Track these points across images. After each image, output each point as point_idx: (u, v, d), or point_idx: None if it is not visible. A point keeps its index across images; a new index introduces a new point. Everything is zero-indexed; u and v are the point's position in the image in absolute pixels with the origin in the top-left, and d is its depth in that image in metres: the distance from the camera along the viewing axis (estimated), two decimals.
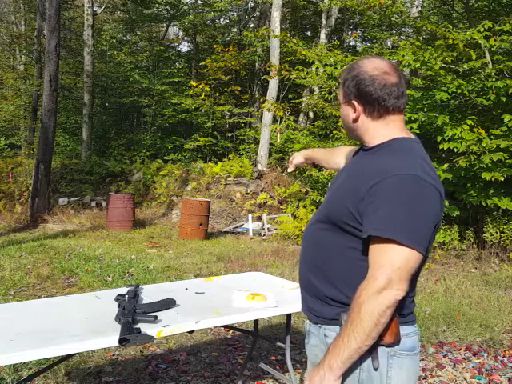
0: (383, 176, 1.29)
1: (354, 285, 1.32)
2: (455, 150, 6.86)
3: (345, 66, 7.87)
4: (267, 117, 13.24)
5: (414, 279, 1.37)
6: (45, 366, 2.84)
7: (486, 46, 7.06)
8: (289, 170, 2.34)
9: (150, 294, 2.44)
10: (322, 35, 15.72)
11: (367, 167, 1.38)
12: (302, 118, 16.28)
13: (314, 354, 1.50)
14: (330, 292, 1.42)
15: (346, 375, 1.34)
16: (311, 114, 15.93)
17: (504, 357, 3.80)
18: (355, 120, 1.44)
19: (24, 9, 21.10)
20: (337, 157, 1.94)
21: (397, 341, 1.34)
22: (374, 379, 1.35)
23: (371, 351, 1.32)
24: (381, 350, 1.34)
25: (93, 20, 16.69)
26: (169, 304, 2.23)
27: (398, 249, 1.25)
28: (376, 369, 1.34)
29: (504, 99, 6.85)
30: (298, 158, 2.22)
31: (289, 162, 2.27)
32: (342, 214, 1.37)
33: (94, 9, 17.69)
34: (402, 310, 1.36)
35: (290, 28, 19.19)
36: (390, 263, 1.26)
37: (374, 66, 1.40)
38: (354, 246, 1.37)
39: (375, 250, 1.29)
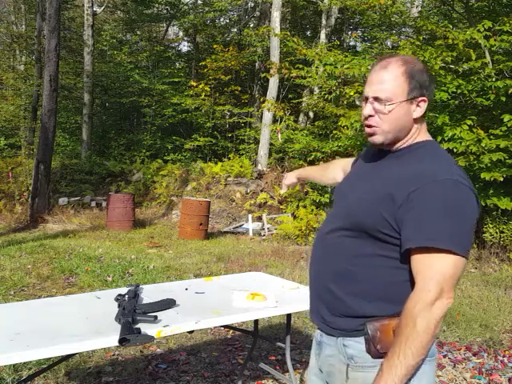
0: (421, 182, 1.25)
1: (383, 294, 1.29)
2: (455, 150, 6.86)
3: (345, 66, 7.86)
4: (267, 117, 13.24)
5: None
6: (45, 366, 2.84)
7: (485, 46, 7.06)
8: (281, 192, 2.30)
9: (150, 294, 2.44)
10: (322, 35, 15.72)
11: (401, 172, 1.32)
12: (302, 117, 16.28)
13: (330, 364, 1.44)
14: (354, 303, 1.36)
15: None
16: (311, 114, 15.93)
17: (504, 357, 3.80)
18: (418, 119, 1.37)
19: (24, 9, 21.10)
20: (332, 171, 1.90)
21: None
22: None
23: None
24: None
25: (93, 20, 16.69)
26: (169, 304, 2.23)
27: (447, 258, 1.23)
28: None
29: (504, 99, 6.85)
30: (290, 179, 2.18)
31: (282, 183, 2.23)
32: (375, 222, 1.31)
33: (94, 9, 17.69)
34: None
35: (290, 28, 19.17)
36: (442, 273, 1.23)
37: (418, 61, 1.38)
38: (384, 253, 1.32)
39: (422, 260, 1.25)
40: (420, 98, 1.35)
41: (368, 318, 1.33)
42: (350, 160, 1.74)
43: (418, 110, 1.36)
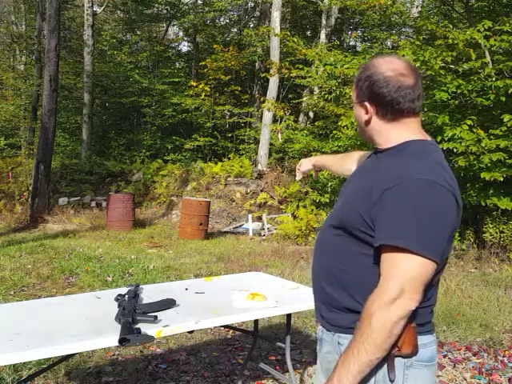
0: (396, 181, 1.24)
1: (368, 293, 1.28)
2: (455, 150, 6.86)
3: (345, 66, 7.87)
4: (267, 117, 13.24)
5: (431, 288, 1.33)
6: (45, 366, 2.84)
7: (485, 46, 7.06)
8: (297, 178, 2.23)
9: (150, 294, 2.44)
10: (322, 35, 15.72)
11: (380, 171, 1.33)
12: (302, 117, 16.28)
13: (328, 361, 1.45)
14: (345, 301, 1.38)
15: None
16: (311, 114, 15.94)
17: (504, 357, 3.80)
18: (367, 122, 1.39)
19: (24, 9, 21.10)
20: (349, 163, 1.86)
21: (415, 352, 1.29)
22: None
23: (387, 361, 1.27)
24: (397, 361, 1.29)
25: (93, 20, 16.69)
26: (169, 304, 2.23)
27: (412, 258, 1.20)
28: (392, 381, 1.28)
29: (504, 99, 6.85)
30: (305, 165, 2.13)
31: (296, 170, 2.17)
32: (354, 220, 1.32)
33: (94, 9, 17.69)
34: (421, 319, 1.32)
35: (289, 28, 19.16)
36: (403, 273, 1.21)
37: (390, 67, 1.33)
38: (367, 252, 1.32)
39: (387, 258, 1.24)
40: (366, 103, 1.37)
41: (359, 316, 1.32)
42: (366, 154, 1.71)
43: (366, 115, 1.38)
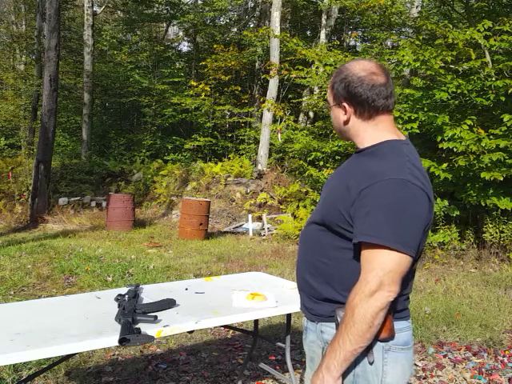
0: (372, 180, 1.31)
1: (351, 285, 1.34)
2: (455, 149, 6.86)
3: None
4: (267, 117, 13.24)
5: (407, 279, 1.39)
6: (45, 366, 2.84)
7: (485, 46, 7.06)
8: None
9: (150, 294, 2.44)
10: (322, 35, 15.72)
11: (358, 170, 1.39)
12: (302, 117, 16.28)
13: (312, 350, 1.53)
14: (327, 293, 1.45)
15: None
16: (311, 114, 15.94)
17: (504, 357, 3.80)
18: (346, 122, 1.46)
19: (24, 9, 21.11)
20: None
21: (391, 336, 1.37)
22: (369, 373, 1.38)
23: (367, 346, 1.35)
24: (376, 345, 1.37)
25: (93, 20, 16.69)
26: (169, 304, 2.23)
27: (389, 253, 1.28)
28: (371, 363, 1.37)
29: (503, 99, 6.84)
30: None
31: None
32: (334, 217, 1.39)
33: (94, 9, 17.70)
34: (397, 307, 1.40)
35: (289, 28, 19.18)
36: (381, 267, 1.28)
37: (362, 68, 1.41)
38: (347, 246, 1.39)
39: (367, 254, 1.32)
40: (344, 104, 1.44)
41: (339, 305, 1.40)
42: None
43: (344, 116, 1.46)
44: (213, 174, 12.99)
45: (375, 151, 1.41)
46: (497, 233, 7.32)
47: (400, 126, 7.15)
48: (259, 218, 10.59)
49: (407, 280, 1.40)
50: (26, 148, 17.10)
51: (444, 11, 11.92)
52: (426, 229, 1.36)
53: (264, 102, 12.44)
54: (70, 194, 12.76)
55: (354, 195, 1.33)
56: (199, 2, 20.60)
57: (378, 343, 1.37)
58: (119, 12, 22.15)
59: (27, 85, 18.84)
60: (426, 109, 7.46)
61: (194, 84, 15.73)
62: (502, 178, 6.59)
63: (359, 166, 1.42)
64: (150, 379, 3.18)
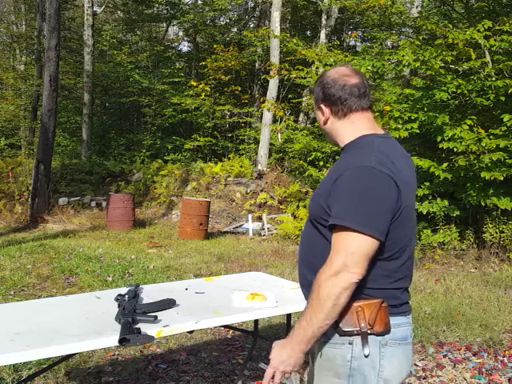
0: (342, 171, 1.40)
1: None
2: (455, 149, 6.86)
3: None
4: (267, 117, 13.24)
5: (402, 270, 1.45)
6: (45, 366, 2.84)
7: (485, 46, 7.05)
8: None
9: (150, 294, 2.44)
10: (322, 35, 15.72)
11: (336, 166, 1.49)
12: (302, 117, 16.28)
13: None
14: None
15: (338, 363, 1.43)
16: (311, 114, 15.93)
17: (504, 357, 3.80)
18: (325, 122, 1.57)
19: (24, 9, 21.11)
20: None
21: (386, 330, 1.41)
22: (365, 367, 1.40)
23: (361, 338, 1.39)
24: (371, 339, 1.40)
25: (93, 20, 16.69)
26: (169, 304, 2.23)
27: (352, 235, 1.34)
28: (367, 356, 1.40)
29: (503, 99, 6.84)
30: None
31: None
32: (319, 212, 1.47)
33: (94, 9, 17.69)
34: (393, 301, 1.44)
35: (289, 28, 19.18)
36: (345, 248, 1.35)
37: (335, 71, 1.55)
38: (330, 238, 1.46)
39: (334, 236, 1.39)
40: (321, 105, 1.55)
41: None
42: None
43: (323, 116, 1.56)
44: (213, 174, 12.99)
45: (352, 146, 1.50)
46: (497, 233, 7.32)
47: (400, 126, 7.16)
48: (259, 218, 10.59)
49: (401, 271, 1.44)
50: (26, 148, 17.11)
51: (444, 11, 11.93)
52: (394, 213, 1.38)
53: (264, 102, 12.43)
54: (69, 194, 12.76)
55: (330, 186, 1.42)
56: (199, 2, 20.59)
57: (374, 337, 1.40)
58: (119, 12, 22.14)
59: (27, 85, 18.84)
60: (426, 109, 7.46)
61: (194, 84, 15.72)
62: (502, 178, 6.59)
63: (339, 162, 1.51)
64: (149, 379, 3.18)
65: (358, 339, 1.40)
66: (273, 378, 1.46)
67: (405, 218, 1.43)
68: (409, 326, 1.48)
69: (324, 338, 1.45)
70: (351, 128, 1.52)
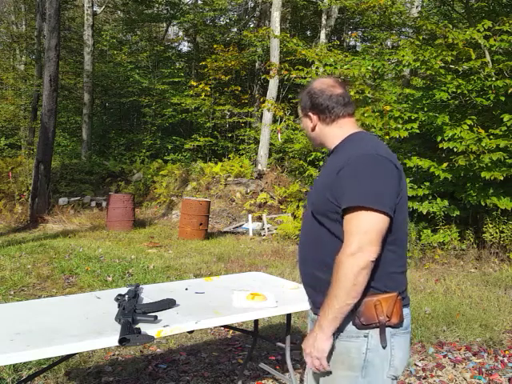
0: (346, 162, 1.49)
1: None
2: (455, 149, 6.85)
3: (345, 66, 7.88)
4: (267, 117, 13.24)
5: (399, 249, 1.53)
6: (45, 366, 2.84)
7: (485, 46, 7.05)
8: None
9: (150, 294, 2.44)
10: (322, 35, 15.72)
11: (334, 162, 1.58)
12: None
13: None
14: None
15: (352, 356, 1.50)
16: None
17: (504, 357, 3.80)
18: (313, 128, 1.70)
19: (24, 9, 21.10)
20: None
21: (401, 321, 1.51)
22: (377, 358, 1.49)
23: (379, 330, 1.47)
24: (387, 331, 1.49)
25: (93, 20, 16.68)
26: (169, 304, 2.23)
27: (364, 215, 1.43)
28: (384, 347, 1.48)
29: (503, 99, 6.84)
30: None
31: None
32: (325, 206, 1.53)
33: (94, 9, 17.69)
34: (401, 288, 1.54)
35: (289, 28, 19.18)
36: (358, 229, 1.43)
37: (322, 82, 1.68)
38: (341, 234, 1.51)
39: (347, 218, 1.47)
40: (309, 113, 1.68)
41: None
42: None
43: (311, 123, 1.69)
44: (213, 174, 12.99)
45: (346, 142, 1.62)
46: (497, 233, 7.32)
47: (400, 126, 7.16)
48: (259, 218, 10.59)
49: (399, 251, 1.53)
50: (26, 148, 17.11)
51: (444, 11, 11.93)
52: (398, 194, 1.49)
53: (264, 102, 12.43)
54: (69, 194, 12.75)
55: (334, 179, 1.51)
56: (199, 2, 20.59)
57: (388, 328, 1.49)
58: (119, 12, 22.14)
59: (27, 85, 18.83)
60: (426, 109, 7.46)
61: (194, 84, 15.72)
62: (502, 178, 6.59)
63: (335, 158, 1.61)
64: (150, 379, 3.18)
65: (373, 332, 1.48)
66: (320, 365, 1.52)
67: (404, 203, 1.54)
68: (410, 317, 1.58)
69: (337, 333, 1.50)
70: (340, 131, 1.65)
